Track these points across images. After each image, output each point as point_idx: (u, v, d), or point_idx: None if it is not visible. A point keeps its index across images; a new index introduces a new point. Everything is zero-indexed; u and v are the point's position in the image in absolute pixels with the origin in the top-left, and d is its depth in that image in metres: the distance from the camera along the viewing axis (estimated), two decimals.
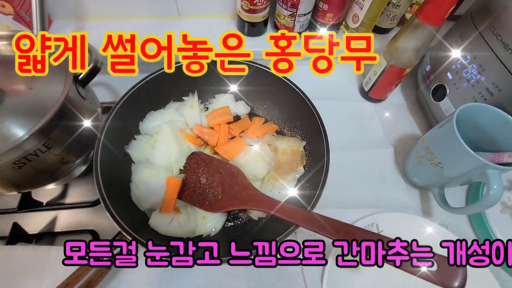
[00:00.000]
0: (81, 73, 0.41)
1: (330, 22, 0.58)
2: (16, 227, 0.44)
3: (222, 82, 0.51)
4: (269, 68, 0.46)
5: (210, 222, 0.40)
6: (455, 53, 0.49)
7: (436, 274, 0.26)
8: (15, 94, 0.39)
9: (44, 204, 0.48)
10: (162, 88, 0.48)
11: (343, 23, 0.61)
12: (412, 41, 0.49)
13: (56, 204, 0.48)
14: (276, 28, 0.60)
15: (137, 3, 0.60)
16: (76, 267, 0.32)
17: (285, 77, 0.47)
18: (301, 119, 0.47)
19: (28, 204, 0.46)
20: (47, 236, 0.46)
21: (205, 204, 0.40)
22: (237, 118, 0.52)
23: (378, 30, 0.62)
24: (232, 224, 0.43)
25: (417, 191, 0.53)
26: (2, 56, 0.41)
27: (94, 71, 0.43)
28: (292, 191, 0.43)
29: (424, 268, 0.27)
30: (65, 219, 0.47)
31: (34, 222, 0.46)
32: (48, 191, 0.49)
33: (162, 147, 0.44)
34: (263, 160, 0.44)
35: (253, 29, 0.59)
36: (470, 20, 0.46)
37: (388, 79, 0.55)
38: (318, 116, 0.44)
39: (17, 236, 0.44)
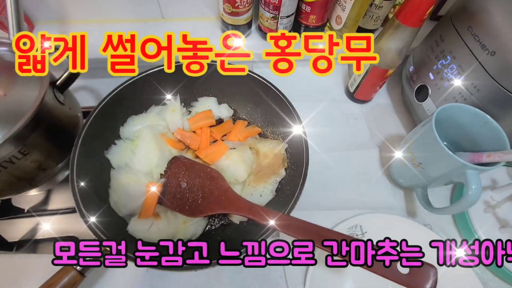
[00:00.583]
0: (59, 78, 0.41)
1: (314, 24, 0.58)
2: None
3: (204, 85, 0.51)
4: (251, 71, 0.46)
5: (191, 227, 0.40)
6: (436, 54, 0.49)
7: (407, 278, 0.26)
8: None
9: (25, 210, 0.48)
10: (144, 92, 0.48)
11: (328, 24, 0.61)
12: (393, 42, 0.49)
13: (38, 210, 0.48)
14: (260, 30, 0.60)
15: (121, 7, 0.60)
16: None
17: (265, 80, 0.47)
18: (282, 121, 0.47)
19: (8, 211, 0.46)
20: (28, 244, 0.45)
21: (185, 209, 0.39)
22: (220, 121, 0.51)
23: (362, 31, 0.62)
24: (213, 228, 0.43)
25: (402, 192, 0.53)
26: None
27: (73, 76, 0.42)
28: (272, 195, 0.43)
29: (396, 270, 0.27)
30: (47, 226, 0.47)
31: (14, 230, 0.46)
32: (30, 198, 0.49)
33: (143, 151, 0.44)
34: (244, 163, 0.43)
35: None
36: (449, 21, 0.47)
37: (372, 80, 0.56)
38: (298, 118, 0.44)
39: None
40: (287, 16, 0.55)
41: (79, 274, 0.32)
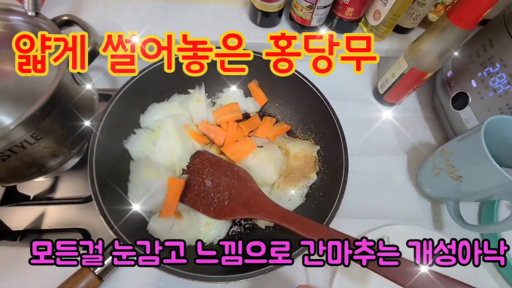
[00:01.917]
0: None
1: (350, 17, 0.54)
2: None
3: (229, 76, 0.47)
4: None
5: (214, 230, 0.37)
6: (483, 60, 0.46)
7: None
8: (1, 76, 0.34)
9: (31, 198, 0.44)
10: (166, 79, 0.44)
11: (363, 19, 0.57)
12: (438, 44, 0.45)
13: (44, 198, 0.44)
14: (291, 19, 0.56)
15: None
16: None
17: (300, 73, 0.43)
18: (315, 121, 0.44)
19: (13, 198, 0.42)
20: (33, 234, 0.42)
21: (209, 210, 0.36)
22: (245, 116, 0.48)
23: (398, 29, 0.58)
24: (237, 231, 0.40)
25: (429, 202, 0.51)
26: None
27: (92, 55, 0.39)
28: (301, 200, 0.40)
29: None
30: (53, 216, 0.43)
31: (19, 218, 0.42)
32: (36, 184, 0.45)
33: (164, 143, 0.40)
34: (274, 163, 0.40)
35: (266, 19, 0.55)
36: (503, 24, 0.43)
37: (407, 83, 0.52)
38: (336, 119, 0.40)
39: None
40: (324, 7, 0.51)
41: (97, 278, 0.29)
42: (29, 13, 0.37)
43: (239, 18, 0.58)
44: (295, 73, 0.43)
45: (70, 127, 0.38)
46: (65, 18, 0.39)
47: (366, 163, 0.52)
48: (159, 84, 0.43)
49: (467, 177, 0.40)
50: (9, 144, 0.31)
